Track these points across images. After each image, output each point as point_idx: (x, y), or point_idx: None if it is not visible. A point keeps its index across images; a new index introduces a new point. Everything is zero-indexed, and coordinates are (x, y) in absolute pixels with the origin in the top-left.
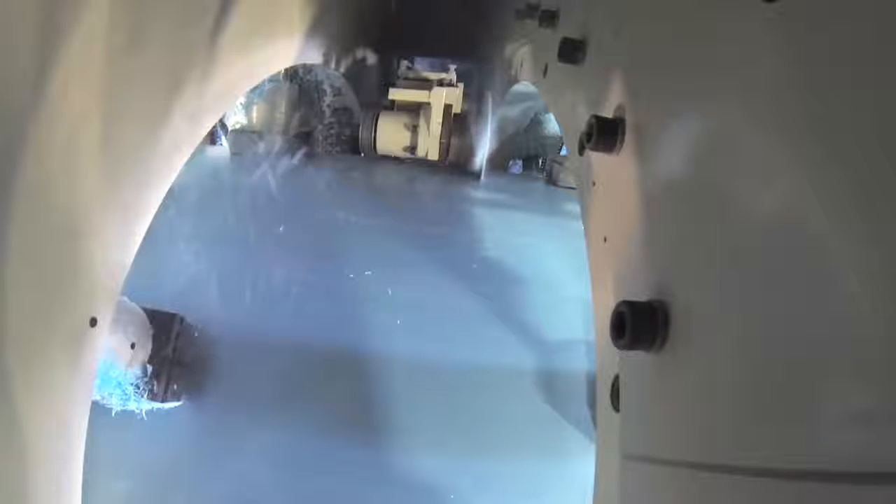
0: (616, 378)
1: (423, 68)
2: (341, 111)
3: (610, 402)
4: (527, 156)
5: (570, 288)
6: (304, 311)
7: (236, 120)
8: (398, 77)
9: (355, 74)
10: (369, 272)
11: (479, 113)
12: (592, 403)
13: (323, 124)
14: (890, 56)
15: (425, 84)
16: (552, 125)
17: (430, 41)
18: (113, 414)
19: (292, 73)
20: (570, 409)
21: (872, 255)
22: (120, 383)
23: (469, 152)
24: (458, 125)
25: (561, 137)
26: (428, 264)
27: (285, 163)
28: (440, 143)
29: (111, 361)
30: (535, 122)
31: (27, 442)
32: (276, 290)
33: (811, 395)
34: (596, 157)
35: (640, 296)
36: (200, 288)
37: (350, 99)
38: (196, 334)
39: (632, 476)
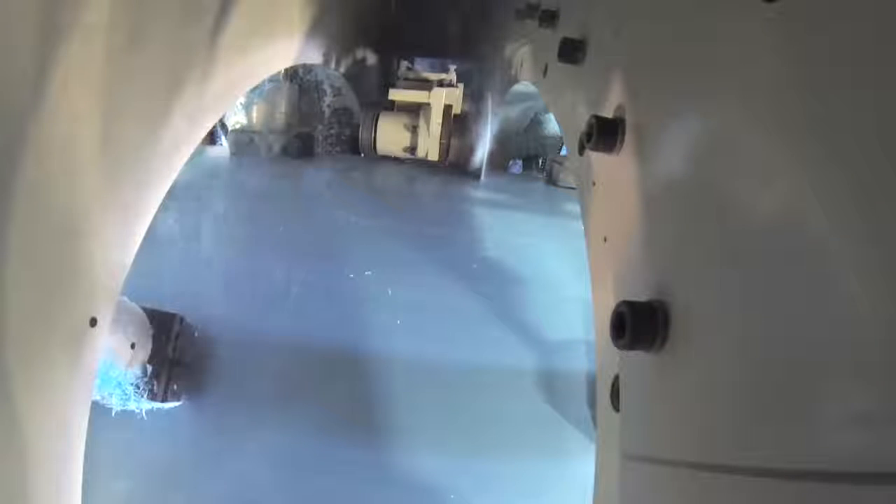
0: (616, 378)
1: (422, 69)
2: (341, 111)
3: (610, 402)
4: (527, 156)
5: (570, 288)
6: (304, 311)
7: (236, 120)
8: (398, 77)
9: (355, 75)
10: (369, 272)
11: (479, 113)
12: (592, 403)
13: (323, 124)
14: (890, 56)
15: (425, 84)
16: (552, 125)
17: (430, 41)
18: (113, 414)
19: (292, 73)
20: (570, 409)
21: (872, 256)
22: (120, 383)
23: (469, 153)
24: (457, 126)
25: (561, 137)
26: (428, 264)
27: (285, 163)
28: (440, 143)
29: (111, 361)
30: (535, 122)
31: (27, 442)
32: (276, 290)
33: (811, 396)
34: (596, 157)
35: (640, 296)
36: (200, 288)
37: (350, 99)
38: (196, 334)
39: (632, 476)
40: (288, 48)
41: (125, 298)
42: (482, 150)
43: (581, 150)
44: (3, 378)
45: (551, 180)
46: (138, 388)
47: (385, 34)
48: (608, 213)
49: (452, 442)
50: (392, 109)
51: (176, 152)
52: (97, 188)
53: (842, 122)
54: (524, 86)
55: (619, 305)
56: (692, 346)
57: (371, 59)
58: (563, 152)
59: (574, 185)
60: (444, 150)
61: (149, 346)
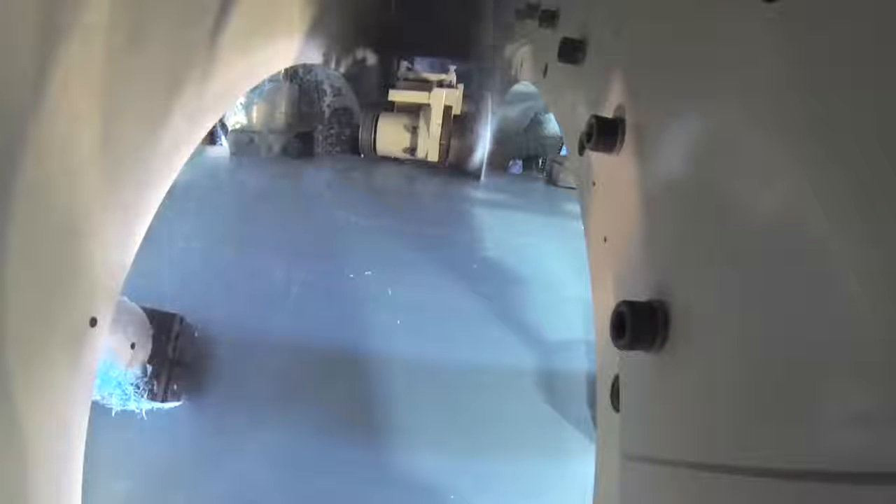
0: (616, 378)
1: (422, 69)
2: (341, 111)
3: (610, 402)
4: (527, 156)
5: (570, 288)
6: (304, 311)
7: (236, 120)
8: (398, 78)
9: (355, 75)
10: (369, 272)
11: (479, 114)
12: (592, 403)
13: (323, 124)
14: (890, 56)
15: (425, 85)
16: (552, 125)
17: (431, 41)
18: (113, 414)
19: (292, 73)
20: (570, 409)
21: (872, 256)
22: (120, 383)
23: (469, 153)
24: (457, 126)
25: (561, 137)
26: (428, 264)
27: (285, 163)
28: (440, 144)
29: (111, 361)
30: (535, 122)
31: (27, 442)
32: (276, 290)
33: (811, 396)
34: (596, 157)
35: (640, 296)
36: (200, 288)
37: (350, 99)
38: (196, 334)
39: (632, 476)
40: (288, 48)
41: (125, 298)
42: (482, 151)
43: (581, 150)
44: (3, 378)
45: (551, 180)
46: (138, 388)
47: (385, 34)
48: (608, 213)
49: (452, 442)
50: (392, 110)
51: (176, 152)
52: (97, 188)
53: (842, 122)
54: (524, 86)
55: (619, 305)
56: (692, 346)
57: (371, 59)
58: (563, 152)
59: (574, 185)
60: (444, 150)
61: (149, 346)
